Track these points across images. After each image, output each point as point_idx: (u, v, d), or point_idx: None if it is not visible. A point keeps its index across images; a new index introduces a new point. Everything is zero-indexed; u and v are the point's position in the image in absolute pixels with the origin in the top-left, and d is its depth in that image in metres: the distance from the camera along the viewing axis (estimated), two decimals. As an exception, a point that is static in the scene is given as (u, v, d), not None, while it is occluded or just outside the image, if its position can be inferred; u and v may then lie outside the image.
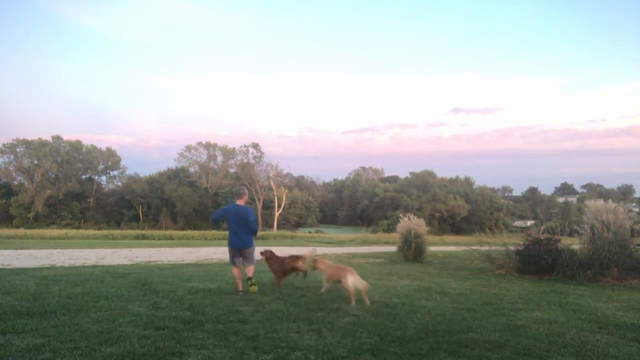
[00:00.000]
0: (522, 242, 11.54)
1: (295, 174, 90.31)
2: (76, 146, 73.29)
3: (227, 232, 7.43)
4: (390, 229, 55.67)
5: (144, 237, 35.73)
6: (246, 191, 7.61)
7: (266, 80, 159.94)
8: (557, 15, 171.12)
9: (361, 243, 32.84)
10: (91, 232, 42.25)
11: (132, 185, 72.70)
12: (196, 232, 42.61)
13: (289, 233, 50.40)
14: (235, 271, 7.32)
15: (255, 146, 73.58)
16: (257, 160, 73.09)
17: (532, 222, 66.91)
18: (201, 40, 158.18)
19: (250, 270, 7.32)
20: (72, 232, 41.37)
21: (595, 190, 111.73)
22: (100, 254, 15.29)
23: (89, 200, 72.78)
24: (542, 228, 12.40)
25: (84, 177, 74.82)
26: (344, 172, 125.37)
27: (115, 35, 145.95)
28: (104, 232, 41.15)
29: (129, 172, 78.66)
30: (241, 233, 7.18)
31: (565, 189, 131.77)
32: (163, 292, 7.03)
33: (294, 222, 79.78)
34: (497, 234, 16.50)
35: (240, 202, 7.39)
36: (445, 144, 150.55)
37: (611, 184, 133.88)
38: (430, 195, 76.38)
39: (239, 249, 7.28)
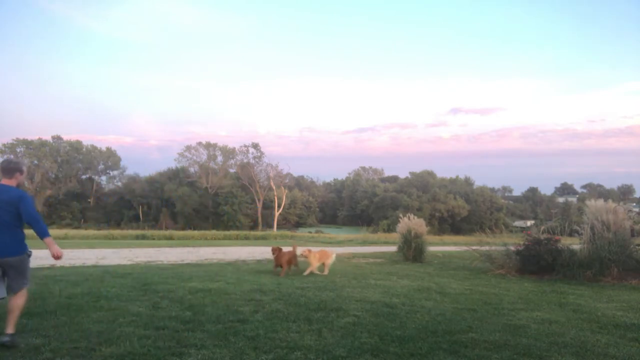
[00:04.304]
0: (522, 242, 11.50)
1: (295, 174, 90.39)
2: (76, 146, 73.33)
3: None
4: (390, 229, 55.57)
5: (144, 237, 35.67)
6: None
7: (266, 80, 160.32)
8: (556, 16, 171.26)
9: (361, 243, 32.78)
10: (91, 232, 42.22)
11: (132, 185, 72.77)
12: (196, 232, 42.45)
13: (289, 233, 50.35)
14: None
15: (255, 146, 73.68)
16: (257, 160, 73.16)
17: (532, 222, 66.93)
18: (201, 41, 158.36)
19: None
20: (72, 232, 41.27)
21: (595, 190, 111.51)
22: (100, 254, 15.27)
23: (89, 200, 72.81)
24: (542, 228, 12.35)
25: (84, 177, 74.91)
26: (344, 172, 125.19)
27: (116, 36, 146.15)
28: (104, 232, 41.12)
29: (129, 172, 78.94)
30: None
31: (565, 189, 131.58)
32: (163, 292, 7.02)
33: (294, 222, 79.89)
34: (497, 234, 16.45)
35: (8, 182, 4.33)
36: (445, 144, 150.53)
37: (611, 184, 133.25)
38: (430, 195, 76.34)
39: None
